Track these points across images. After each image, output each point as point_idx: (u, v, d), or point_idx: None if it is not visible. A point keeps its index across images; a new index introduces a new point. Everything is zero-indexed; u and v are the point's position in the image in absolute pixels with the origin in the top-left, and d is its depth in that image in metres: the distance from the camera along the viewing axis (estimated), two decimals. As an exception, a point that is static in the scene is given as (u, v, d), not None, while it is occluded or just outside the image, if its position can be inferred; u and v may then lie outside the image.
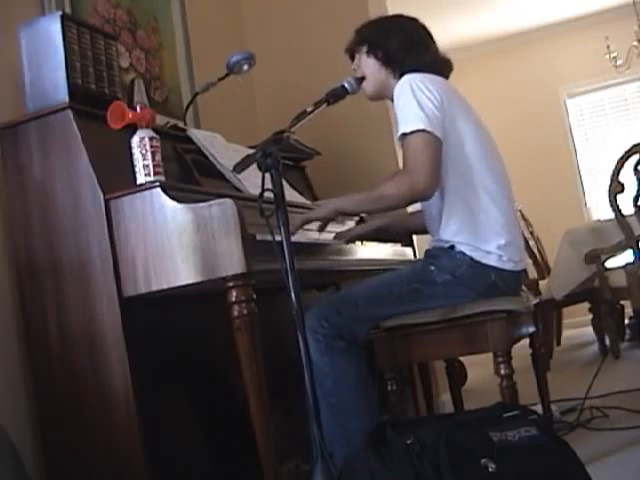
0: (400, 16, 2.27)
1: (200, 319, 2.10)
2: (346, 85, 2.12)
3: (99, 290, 1.83)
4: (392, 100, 2.19)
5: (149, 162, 1.81)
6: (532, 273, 4.64)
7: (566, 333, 5.29)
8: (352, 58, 2.25)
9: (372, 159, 3.27)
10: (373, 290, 2.10)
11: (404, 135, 1.99)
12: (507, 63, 6.99)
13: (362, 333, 2.07)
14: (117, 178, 1.85)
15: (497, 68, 7.01)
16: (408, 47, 2.14)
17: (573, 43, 6.79)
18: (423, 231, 2.33)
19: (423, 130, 1.95)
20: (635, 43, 5.93)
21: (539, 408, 2.47)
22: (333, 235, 2.27)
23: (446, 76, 2.19)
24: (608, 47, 6.10)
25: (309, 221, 2.09)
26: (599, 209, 6.39)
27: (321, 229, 2.18)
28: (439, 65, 2.18)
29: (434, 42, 2.21)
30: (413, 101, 1.98)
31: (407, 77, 2.04)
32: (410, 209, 2.39)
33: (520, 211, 4.68)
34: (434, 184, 1.97)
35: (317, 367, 1.90)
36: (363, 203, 2.09)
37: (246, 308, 1.74)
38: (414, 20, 2.23)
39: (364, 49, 2.19)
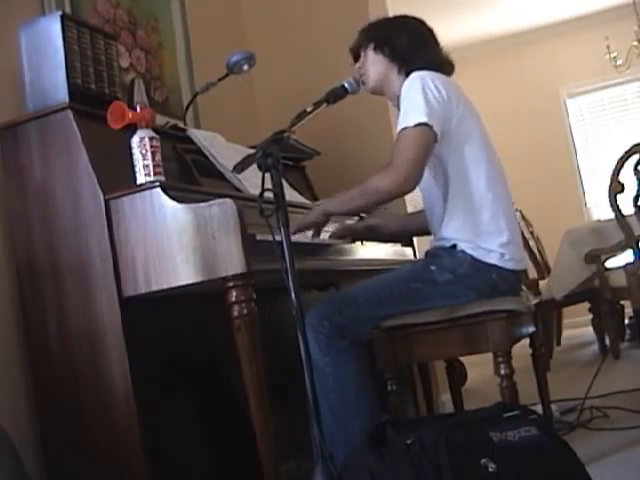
0: (406, 16, 2.28)
1: (200, 319, 2.10)
2: (346, 85, 2.12)
3: (99, 290, 1.83)
4: (392, 98, 2.21)
5: (149, 162, 1.81)
6: (532, 273, 4.64)
7: (566, 333, 5.29)
8: (356, 58, 2.26)
9: (372, 159, 3.25)
10: (374, 289, 2.10)
11: (404, 128, 1.99)
12: (507, 63, 6.99)
13: (363, 332, 2.07)
14: (117, 178, 1.85)
15: (497, 68, 7.01)
16: (417, 45, 2.17)
17: (573, 43, 6.80)
18: (421, 233, 2.33)
19: (424, 124, 1.96)
20: (635, 43, 5.93)
21: (539, 408, 2.47)
22: (329, 235, 2.28)
23: (448, 76, 2.19)
24: (608, 47, 6.10)
25: (300, 228, 2.08)
26: (599, 209, 6.37)
27: (316, 235, 2.17)
28: (443, 65, 2.19)
29: (438, 43, 2.23)
30: (420, 95, 1.99)
31: (417, 73, 2.06)
32: (410, 209, 2.39)
33: (520, 211, 4.68)
34: (416, 178, 1.97)
35: (319, 367, 1.90)
36: (349, 201, 2.08)
37: (246, 308, 1.74)
38: (420, 20, 2.25)
39: (371, 46, 2.20)
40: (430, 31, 2.24)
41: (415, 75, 2.06)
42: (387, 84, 2.21)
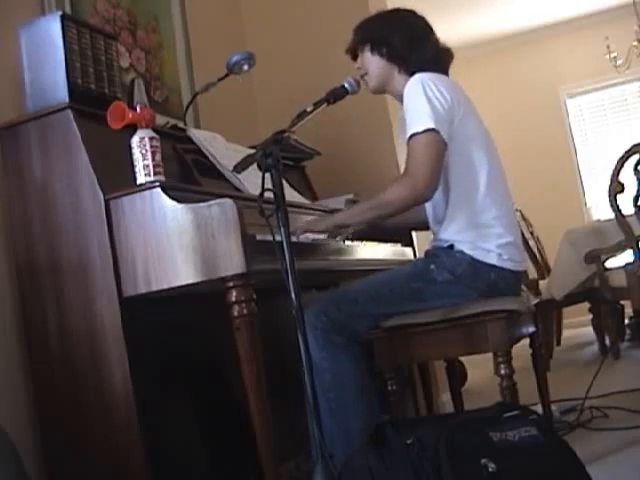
0: (398, 10, 2.27)
1: (200, 319, 2.10)
2: (346, 85, 2.12)
3: (99, 290, 1.83)
4: (396, 96, 2.21)
5: (149, 162, 1.81)
6: (532, 273, 4.64)
7: (566, 333, 5.29)
8: (354, 58, 2.26)
9: (372, 159, 3.27)
10: (373, 288, 2.10)
11: (413, 135, 1.99)
12: (507, 63, 6.99)
13: (361, 330, 2.07)
14: (117, 178, 1.85)
15: (497, 68, 7.01)
16: (411, 42, 2.16)
17: (573, 43, 6.79)
18: (421, 226, 2.33)
19: (432, 129, 1.97)
20: (635, 43, 5.93)
21: (539, 408, 2.46)
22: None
23: (447, 66, 2.21)
24: (608, 47, 6.10)
25: (308, 231, 2.10)
26: (599, 209, 6.38)
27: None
28: (441, 56, 2.19)
29: (434, 32, 2.22)
30: (424, 100, 2.00)
31: (419, 76, 2.06)
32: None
33: (520, 211, 4.68)
34: (434, 185, 1.98)
35: (316, 363, 1.89)
36: (365, 212, 2.09)
37: (246, 308, 1.74)
38: (412, 12, 2.24)
39: (367, 47, 2.20)
40: (423, 20, 2.22)
41: (416, 78, 2.05)
42: (389, 84, 2.21)
